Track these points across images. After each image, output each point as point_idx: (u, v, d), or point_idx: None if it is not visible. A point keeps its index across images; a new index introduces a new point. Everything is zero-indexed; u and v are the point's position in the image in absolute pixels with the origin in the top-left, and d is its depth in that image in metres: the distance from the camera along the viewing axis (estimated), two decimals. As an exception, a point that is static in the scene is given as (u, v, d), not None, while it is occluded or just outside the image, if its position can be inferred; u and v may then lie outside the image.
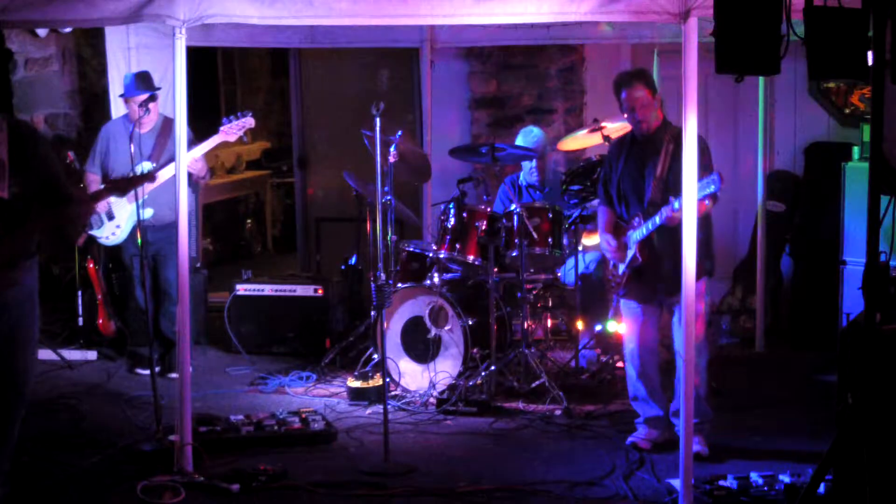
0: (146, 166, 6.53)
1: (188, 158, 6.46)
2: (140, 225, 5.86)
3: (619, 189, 5.54)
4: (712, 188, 4.86)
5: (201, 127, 6.65)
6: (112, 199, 6.63)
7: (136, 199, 5.87)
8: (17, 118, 5.23)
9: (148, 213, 6.46)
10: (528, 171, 7.08)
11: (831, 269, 6.60)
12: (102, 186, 6.43)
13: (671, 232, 5.21)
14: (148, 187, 6.44)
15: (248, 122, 6.58)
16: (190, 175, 6.51)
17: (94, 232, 6.74)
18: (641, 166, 5.43)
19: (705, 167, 4.97)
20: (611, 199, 5.60)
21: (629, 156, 5.50)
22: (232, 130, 6.53)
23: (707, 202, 4.99)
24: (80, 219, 4.92)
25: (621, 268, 5.50)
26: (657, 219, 5.22)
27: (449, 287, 6.60)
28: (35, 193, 4.39)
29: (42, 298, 4.75)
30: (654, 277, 5.41)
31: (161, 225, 6.53)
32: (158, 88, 6.56)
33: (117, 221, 6.69)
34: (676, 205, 5.04)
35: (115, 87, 7.46)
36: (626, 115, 5.50)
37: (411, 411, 6.14)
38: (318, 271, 8.24)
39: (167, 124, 6.68)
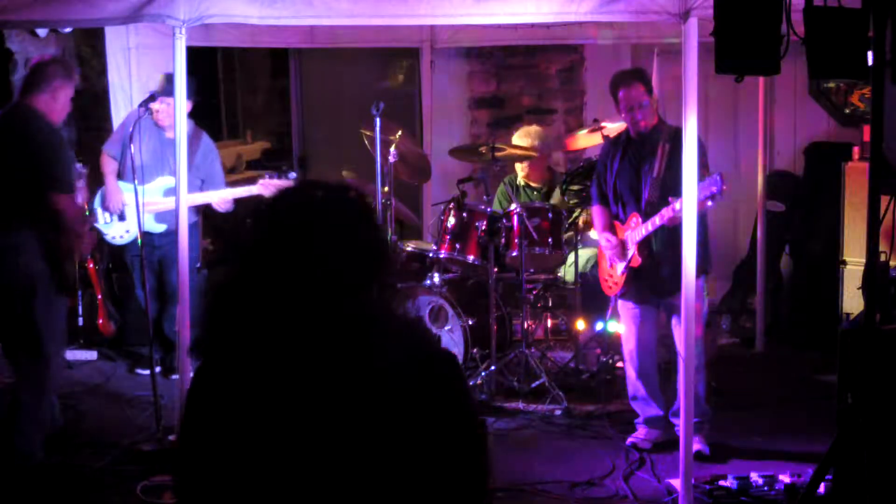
0: (167, 182, 6.43)
1: (219, 197, 6.44)
2: (140, 231, 5.80)
3: (614, 189, 5.54)
4: (714, 189, 4.86)
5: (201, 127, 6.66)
6: (126, 201, 6.53)
7: (138, 210, 5.76)
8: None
9: (160, 227, 6.47)
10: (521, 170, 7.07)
11: (831, 269, 6.59)
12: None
13: (670, 232, 5.22)
14: (155, 207, 6.42)
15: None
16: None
17: (101, 227, 6.63)
18: (638, 166, 5.43)
19: (703, 167, 4.97)
20: (605, 198, 5.60)
21: (624, 156, 5.50)
22: (271, 186, 6.33)
23: (710, 202, 4.98)
24: None
25: (619, 268, 5.50)
26: (657, 220, 5.22)
27: (449, 287, 6.60)
28: None
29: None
30: (652, 278, 5.41)
31: (169, 231, 6.49)
32: (196, 100, 6.45)
33: (127, 225, 6.60)
34: (678, 205, 5.05)
35: (116, 87, 7.45)
36: (623, 115, 5.50)
37: (411, 411, 6.12)
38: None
39: (196, 135, 6.60)
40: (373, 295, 2.03)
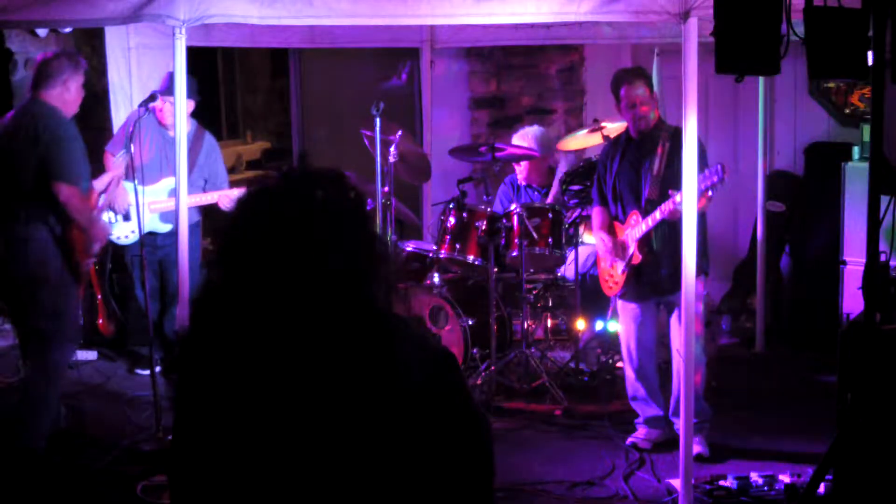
0: (173, 182, 6.39)
1: (226, 197, 6.37)
2: (141, 232, 5.80)
3: (614, 188, 5.54)
4: (715, 178, 4.86)
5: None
6: (131, 201, 6.52)
7: (138, 210, 5.76)
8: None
9: (166, 227, 6.45)
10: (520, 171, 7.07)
11: (831, 269, 6.59)
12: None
13: (669, 231, 5.22)
14: (160, 206, 6.41)
15: None
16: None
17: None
18: (638, 165, 5.44)
19: (703, 167, 4.97)
20: (605, 198, 5.61)
21: (624, 155, 5.51)
22: None
23: (710, 192, 4.97)
24: None
25: (619, 267, 5.50)
26: (657, 214, 5.22)
27: (449, 287, 6.60)
28: None
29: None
30: (652, 277, 5.41)
31: (174, 230, 6.45)
32: (197, 100, 6.47)
33: (132, 226, 6.57)
34: (678, 198, 5.03)
35: (116, 87, 7.44)
36: (624, 113, 5.51)
37: (411, 411, 6.12)
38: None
39: (199, 135, 6.58)
40: (374, 294, 2.03)
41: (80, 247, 5.39)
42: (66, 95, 5.41)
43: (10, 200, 5.30)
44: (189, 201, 6.15)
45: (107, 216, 6.57)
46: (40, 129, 5.28)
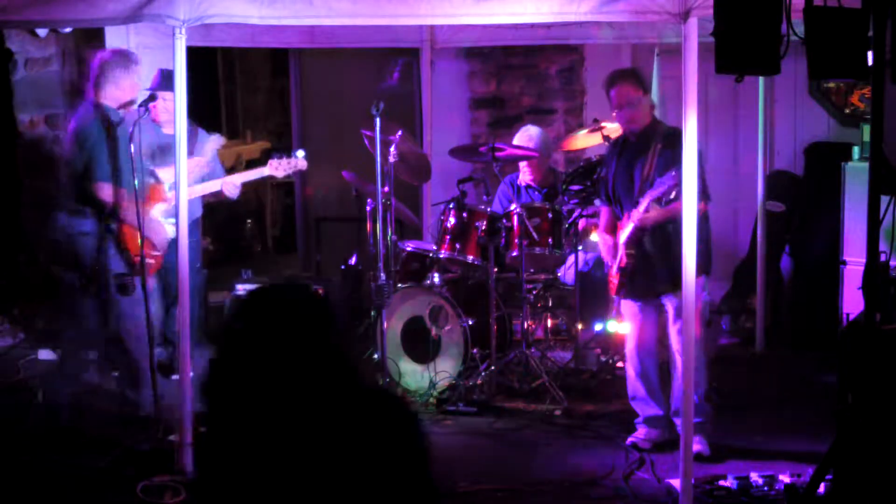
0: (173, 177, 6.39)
1: (229, 184, 6.36)
2: (141, 234, 5.81)
3: (613, 189, 5.56)
4: (664, 187, 4.93)
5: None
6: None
7: (138, 210, 5.77)
8: None
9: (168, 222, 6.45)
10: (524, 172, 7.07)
11: (831, 269, 6.59)
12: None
13: (661, 232, 5.24)
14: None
15: (300, 163, 6.28)
16: (218, 193, 6.45)
17: None
18: (631, 166, 5.45)
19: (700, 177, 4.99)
20: (609, 199, 5.62)
21: (621, 156, 5.53)
22: (281, 167, 6.27)
23: (665, 200, 5.04)
24: None
25: (614, 268, 5.52)
26: (629, 223, 5.30)
27: (449, 287, 6.60)
28: None
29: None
30: (648, 276, 5.42)
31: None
32: (190, 96, 6.45)
33: None
34: (641, 208, 5.17)
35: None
36: (615, 113, 5.53)
37: (411, 411, 6.11)
38: (318, 271, 8.21)
39: (193, 131, 6.57)
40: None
41: (132, 243, 5.63)
42: (119, 94, 5.67)
43: (75, 198, 5.67)
44: (191, 191, 6.20)
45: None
46: (86, 132, 5.58)
